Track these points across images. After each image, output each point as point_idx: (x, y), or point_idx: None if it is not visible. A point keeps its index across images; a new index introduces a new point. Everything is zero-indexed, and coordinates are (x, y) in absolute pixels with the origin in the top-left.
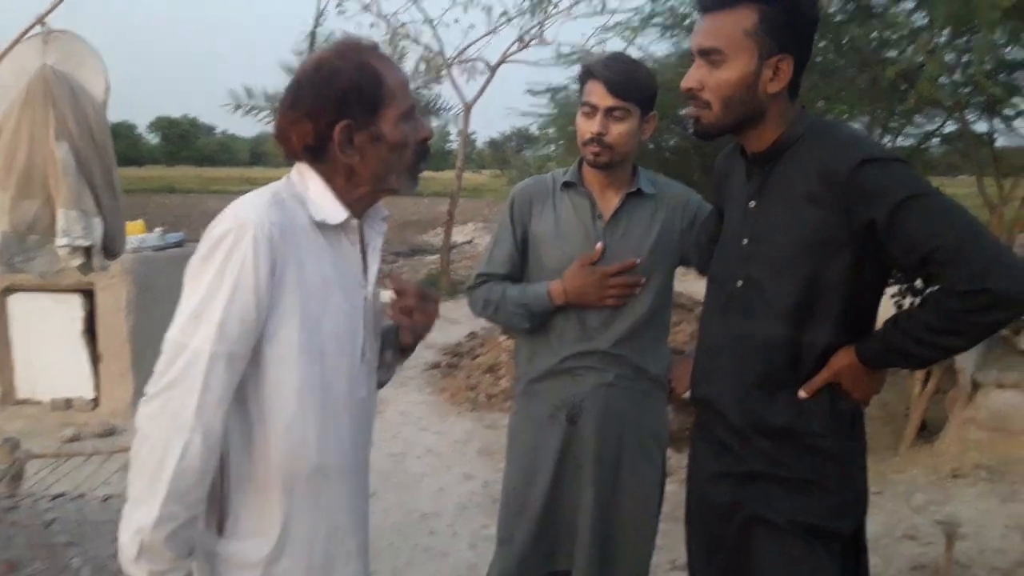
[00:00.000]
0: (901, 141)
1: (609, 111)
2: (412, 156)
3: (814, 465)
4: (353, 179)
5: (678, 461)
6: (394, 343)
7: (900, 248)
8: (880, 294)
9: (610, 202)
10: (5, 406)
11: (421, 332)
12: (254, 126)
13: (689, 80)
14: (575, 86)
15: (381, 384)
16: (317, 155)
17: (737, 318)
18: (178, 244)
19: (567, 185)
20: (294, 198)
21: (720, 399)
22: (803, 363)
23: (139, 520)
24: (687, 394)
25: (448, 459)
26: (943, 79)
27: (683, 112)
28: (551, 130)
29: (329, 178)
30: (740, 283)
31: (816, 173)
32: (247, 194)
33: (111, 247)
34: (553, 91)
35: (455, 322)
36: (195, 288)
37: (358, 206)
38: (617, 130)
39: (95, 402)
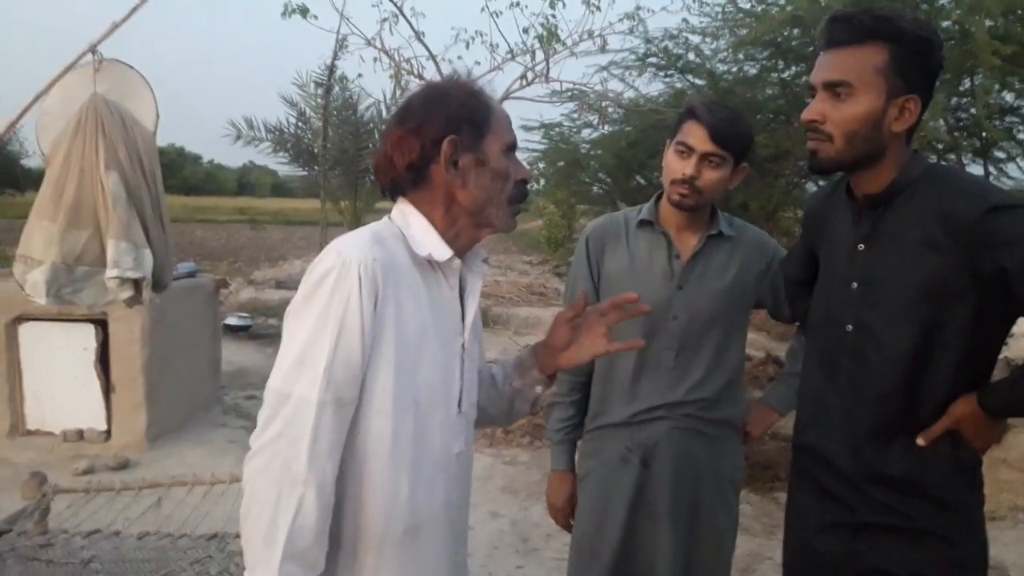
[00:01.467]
0: None
1: (705, 156)
2: (512, 192)
3: (934, 516)
4: (453, 209)
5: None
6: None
7: None
8: (1002, 342)
9: (687, 242)
10: (14, 437)
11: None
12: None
13: (812, 112)
14: (568, 123)
15: (519, 416)
16: (418, 177)
17: (847, 364)
18: (191, 274)
19: (643, 223)
20: (395, 237)
21: (829, 447)
22: (920, 411)
23: None
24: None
25: (472, 497)
26: (937, 122)
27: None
28: (542, 164)
29: (429, 211)
30: (850, 327)
31: (937, 218)
32: (347, 234)
33: (160, 279)
34: (546, 127)
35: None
36: (297, 332)
37: (459, 244)
38: (709, 176)
39: (107, 434)
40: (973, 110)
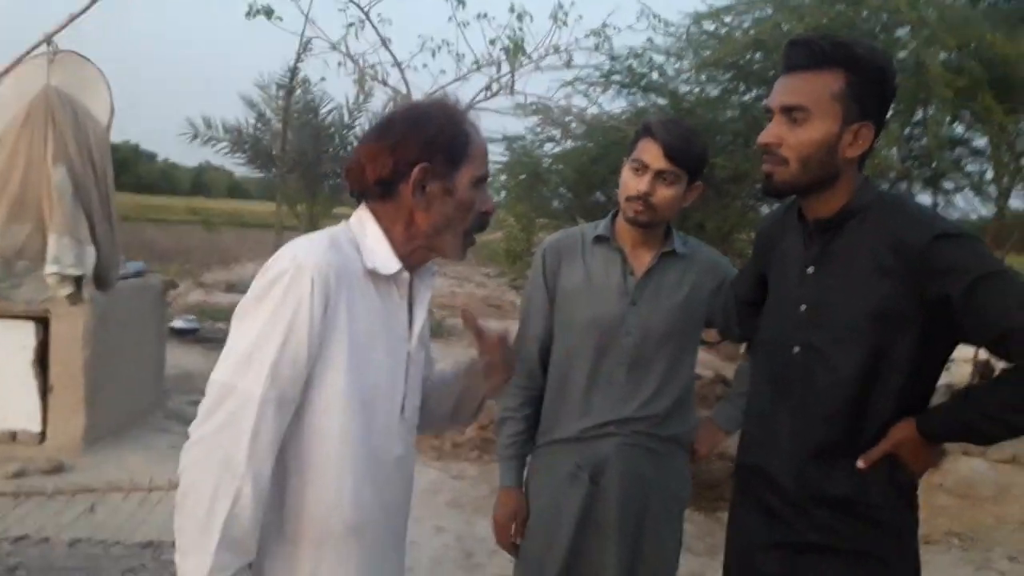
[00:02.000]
0: None
1: (660, 173)
2: (471, 224)
3: (873, 537)
4: (411, 229)
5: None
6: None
7: (975, 325)
8: (943, 367)
9: (642, 259)
10: None
11: (499, 390)
12: (196, 155)
13: (768, 135)
14: (531, 136)
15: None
16: (385, 192)
17: (795, 385)
18: (138, 274)
19: (598, 239)
20: (350, 243)
21: (774, 467)
22: (864, 433)
23: (191, 571)
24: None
25: (416, 511)
26: (891, 151)
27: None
28: (503, 177)
29: (389, 224)
30: (798, 349)
31: (887, 245)
32: (302, 237)
33: (104, 277)
34: (509, 140)
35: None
36: (247, 328)
37: (411, 259)
38: (664, 193)
39: (42, 436)
40: (925, 140)
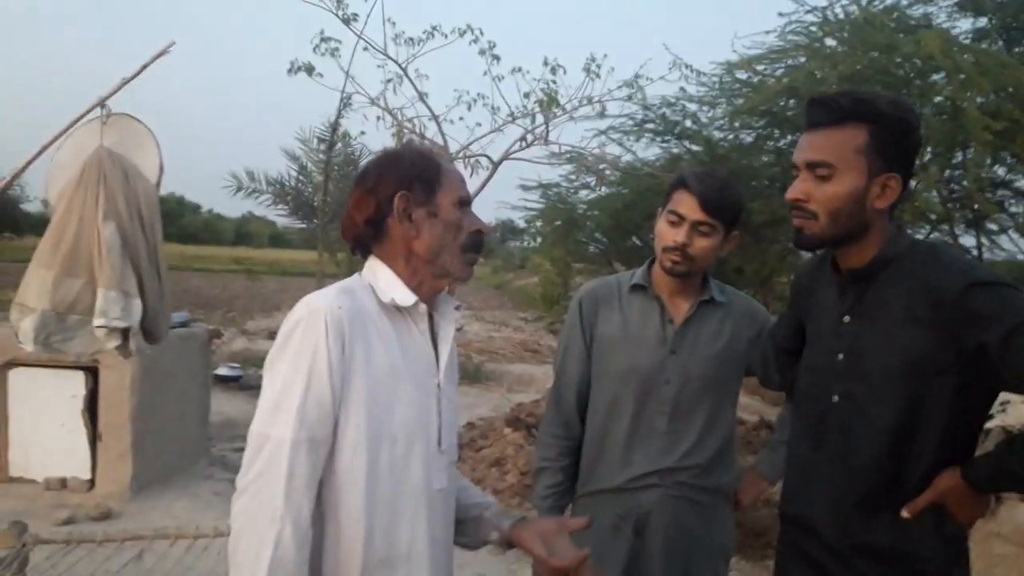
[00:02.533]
0: None
1: (696, 224)
2: (465, 241)
3: None
4: (412, 260)
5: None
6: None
7: (1014, 374)
8: (985, 416)
9: (680, 307)
10: None
11: None
12: (239, 207)
13: (795, 191)
14: (565, 184)
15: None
16: (377, 231)
17: (834, 435)
18: (183, 324)
19: (635, 288)
20: (364, 288)
21: (816, 518)
22: (905, 483)
23: None
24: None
25: (458, 558)
26: (931, 193)
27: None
28: (539, 223)
29: (392, 262)
30: (836, 398)
31: (922, 293)
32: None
33: (153, 330)
34: (544, 187)
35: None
36: (273, 378)
37: (422, 292)
38: (701, 244)
39: (91, 483)
40: (965, 182)
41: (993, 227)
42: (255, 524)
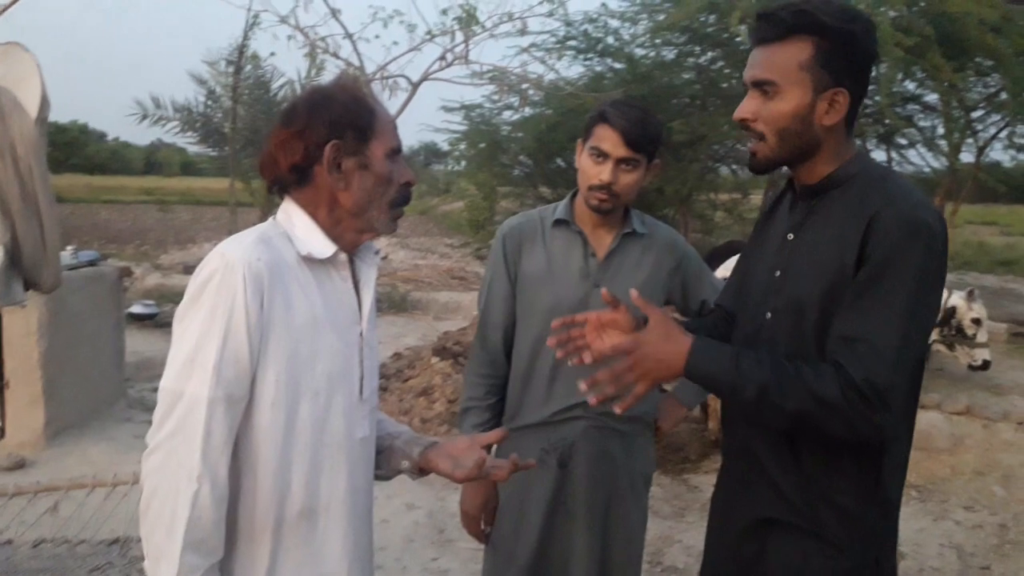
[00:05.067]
0: None
1: (620, 161)
2: (394, 195)
3: (828, 520)
4: (336, 210)
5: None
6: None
7: (849, 309)
8: None
9: (603, 240)
10: None
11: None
12: (148, 134)
13: (742, 111)
14: (488, 104)
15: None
16: (302, 177)
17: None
18: (92, 263)
19: (558, 223)
20: (281, 236)
21: (756, 446)
22: None
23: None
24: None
25: (387, 488)
26: None
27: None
28: (462, 146)
29: (313, 210)
30: (768, 315)
31: (856, 216)
32: (234, 236)
33: (36, 279)
34: (467, 108)
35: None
36: (185, 333)
37: (344, 242)
38: (626, 180)
39: (1, 432)
40: (877, 97)
41: (903, 142)
42: (170, 483)
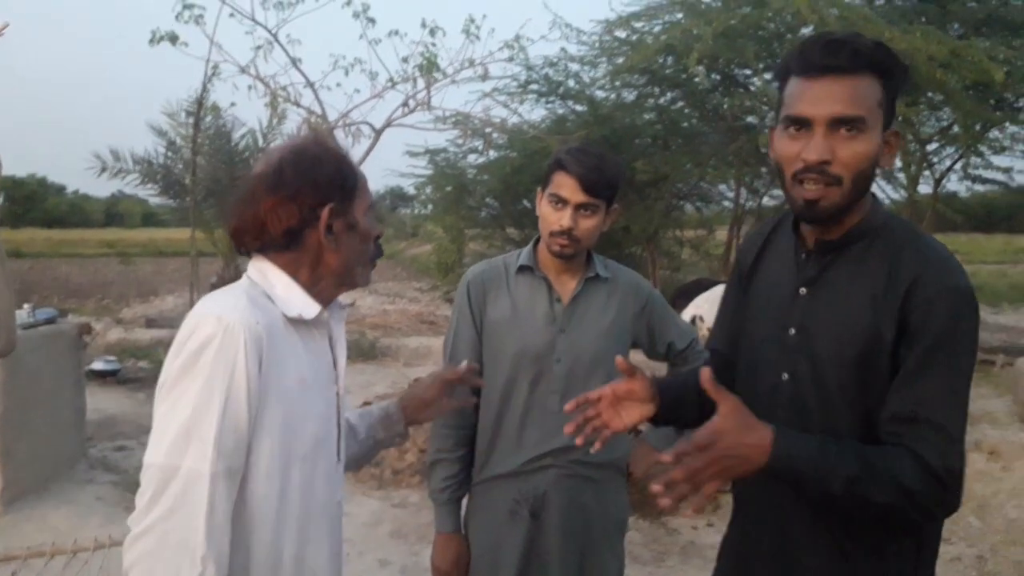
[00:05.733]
0: (767, 202)
1: (579, 207)
2: (372, 250)
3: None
4: (318, 270)
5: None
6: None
7: (903, 386)
8: None
9: (567, 286)
10: None
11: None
12: (108, 186)
13: (820, 150)
14: (453, 148)
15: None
16: (292, 241)
17: (784, 414)
18: (50, 321)
19: (522, 269)
20: (262, 297)
21: (763, 499)
22: None
23: None
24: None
25: (359, 545)
26: None
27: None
28: (428, 189)
29: (294, 270)
30: (786, 376)
31: (889, 275)
32: (216, 294)
33: None
34: (432, 153)
35: (347, 390)
36: (178, 403)
37: (322, 299)
38: (586, 225)
39: None
40: None
41: None
42: (169, 568)
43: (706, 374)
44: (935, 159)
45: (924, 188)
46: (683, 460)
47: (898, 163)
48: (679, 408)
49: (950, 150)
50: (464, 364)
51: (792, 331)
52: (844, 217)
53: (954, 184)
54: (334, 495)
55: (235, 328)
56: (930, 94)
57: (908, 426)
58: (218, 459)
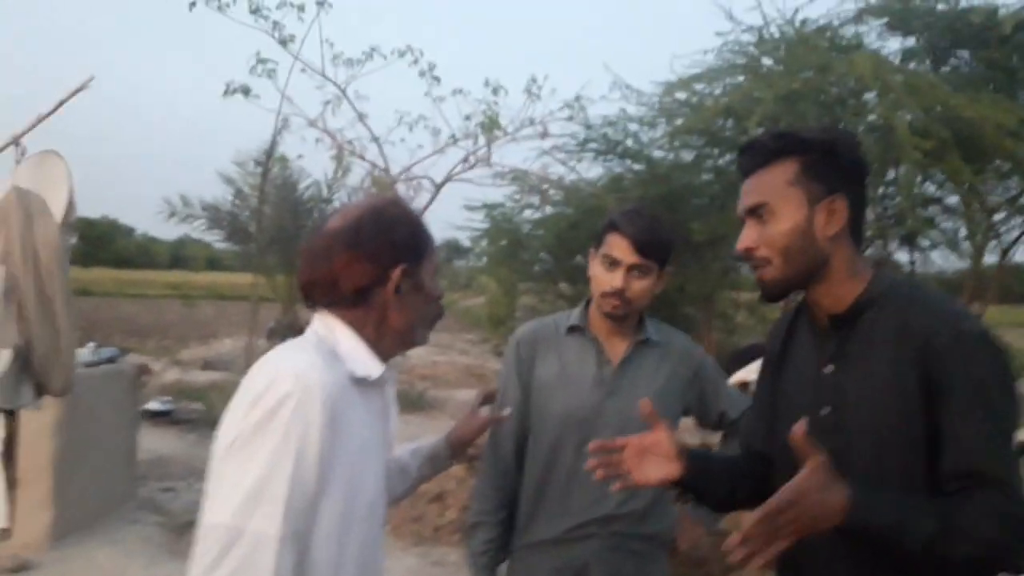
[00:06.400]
0: None
1: (632, 268)
2: (434, 311)
3: None
4: (382, 328)
5: None
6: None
7: (955, 439)
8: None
9: (617, 348)
10: None
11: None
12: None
13: (744, 240)
14: (510, 203)
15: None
16: (361, 298)
17: None
18: (111, 360)
19: (572, 329)
20: (330, 354)
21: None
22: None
23: None
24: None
25: None
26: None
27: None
28: (484, 242)
29: (360, 327)
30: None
31: (908, 339)
32: (289, 350)
33: (46, 381)
34: (489, 207)
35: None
36: (250, 462)
37: (382, 357)
38: (638, 286)
39: (7, 532)
40: (898, 199)
41: (925, 242)
42: None
43: (799, 428)
44: (1002, 228)
45: (991, 258)
46: (768, 518)
47: (963, 231)
48: (706, 480)
49: (1018, 220)
50: (508, 411)
51: (826, 411)
52: (820, 287)
53: (1021, 255)
54: (380, 560)
55: (313, 388)
56: (998, 162)
57: (968, 480)
58: (286, 522)
